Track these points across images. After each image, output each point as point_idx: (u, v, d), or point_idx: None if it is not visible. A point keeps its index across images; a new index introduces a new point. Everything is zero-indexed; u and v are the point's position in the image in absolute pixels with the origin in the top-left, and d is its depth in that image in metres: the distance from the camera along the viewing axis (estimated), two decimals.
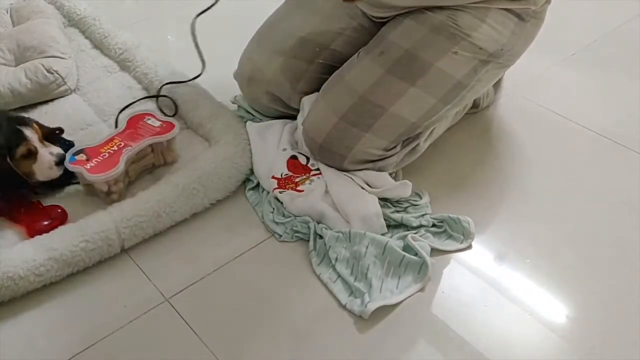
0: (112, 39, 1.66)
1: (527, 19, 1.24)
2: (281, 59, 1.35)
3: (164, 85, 1.47)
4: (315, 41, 1.33)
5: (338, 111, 1.23)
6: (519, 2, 1.21)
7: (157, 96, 1.46)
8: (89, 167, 1.22)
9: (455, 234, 1.20)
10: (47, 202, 1.25)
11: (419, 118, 1.24)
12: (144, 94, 1.53)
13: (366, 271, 1.11)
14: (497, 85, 1.52)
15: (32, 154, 1.21)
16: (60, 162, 1.24)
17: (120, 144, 1.27)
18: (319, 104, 1.27)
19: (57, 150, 1.25)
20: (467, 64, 1.23)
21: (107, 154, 1.25)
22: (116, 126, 1.37)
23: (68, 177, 1.28)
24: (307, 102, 1.34)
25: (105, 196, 1.25)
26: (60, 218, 1.21)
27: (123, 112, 1.44)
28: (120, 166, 1.23)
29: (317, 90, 1.32)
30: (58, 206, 1.23)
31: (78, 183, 1.29)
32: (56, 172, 1.24)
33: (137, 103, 1.48)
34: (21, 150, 1.20)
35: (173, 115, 1.43)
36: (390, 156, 1.26)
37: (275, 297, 1.12)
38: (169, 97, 1.46)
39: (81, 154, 1.25)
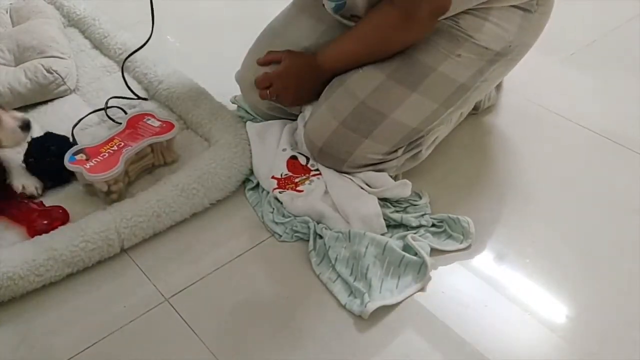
0: (112, 39, 1.66)
1: (534, 9, 1.21)
2: None
3: (110, 98, 1.47)
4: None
5: (338, 116, 1.23)
6: None
7: (105, 108, 1.45)
8: (88, 166, 1.22)
9: (455, 234, 1.20)
10: (49, 202, 1.25)
11: (420, 123, 1.23)
12: (143, 94, 1.53)
13: (366, 271, 1.11)
14: (498, 85, 1.52)
15: None
16: (25, 126, 1.24)
17: (120, 144, 1.27)
18: (320, 107, 1.26)
19: (20, 115, 1.24)
20: (472, 66, 1.21)
21: (106, 154, 1.25)
22: (74, 140, 1.36)
23: (67, 175, 1.28)
24: (308, 104, 1.34)
25: (105, 196, 1.25)
26: (61, 218, 1.21)
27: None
28: (120, 166, 1.23)
29: None
30: (59, 207, 1.23)
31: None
32: (22, 136, 1.25)
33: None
34: None
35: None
36: (391, 160, 1.26)
37: (275, 297, 1.12)
38: (119, 108, 1.46)
39: (81, 154, 1.25)
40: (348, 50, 1.26)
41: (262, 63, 1.36)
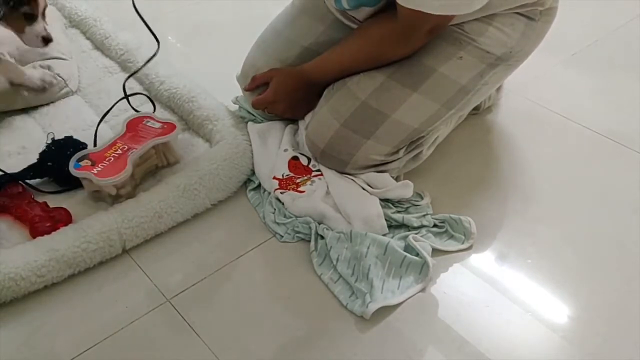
0: (113, 40, 1.67)
1: (537, 18, 1.22)
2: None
3: (126, 80, 1.43)
4: (318, 52, 1.32)
5: (340, 117, 1.23)
6: (524, 7, 1.20)
7: (127, 96, 1.40)
8: (96, 171, 1.22)
9: (456, 234, 1.20)
10: (52, 204, 1.24)
11: (422, 123, 1.23)
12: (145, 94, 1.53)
13: (367, 271, 1.11)
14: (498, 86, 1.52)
15: (31, 17, 1.30)
16: (46, 41, 1.34)
17: (124, 147, 1.26)
18: (321, 108, 1.27)
19: (49, 29, 1.34)
20: (473, 68, 1.22)
21: (112, 158, 1.24)
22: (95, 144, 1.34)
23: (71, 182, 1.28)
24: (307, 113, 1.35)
25: (113, 200, 1.24)
26: (64, 220, 1.21)
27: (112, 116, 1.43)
28: (129, 168, 1.22)
29: None
30: (62, 208, 1.23)
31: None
32: (39, 44, 1.34)
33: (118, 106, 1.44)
34: (25, 9, 1.28)
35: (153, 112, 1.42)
36: (393, 161, 1.26)
37: (276, 298, 1.12)
38: (143, 94, 1.45)
39: (85, 160, 1.24)
40: (341, 61, 1.26)
41: (249, 89, 1.38)
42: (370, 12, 1.24)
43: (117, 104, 1.42)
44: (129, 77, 1.45)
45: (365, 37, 1.24)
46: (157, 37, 1.38)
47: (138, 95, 1.50)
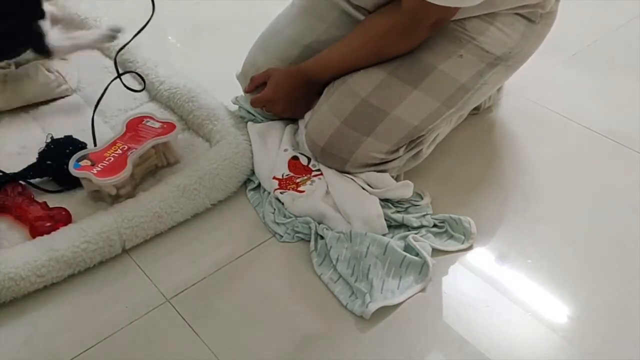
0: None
1: (537, 20, 1.23)
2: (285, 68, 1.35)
3: (117, 52, 1.42)
4: (319, 51, 1.32)
5: (340, 115, 1.22)
6: (525, 8, 1.21)
7: (119, 74, 1.39)
8: (95, 171, 1.22)
9: (456, 234, 1.20)
10: (52, 204, 1.24)
11: (422, 121, 1.23)
12: (145, 95, 1.53)
13: (367, 271, 1.11)
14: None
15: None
16: (54, 21, 1.37)
17: (124, 147, 1.26)
18: (321, 107, 1.27)
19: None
20: (473, 67, 1.22)
21: (112, 158, 1.24)
22: (95, 143, 1.34)
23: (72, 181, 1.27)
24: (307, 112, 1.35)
25: (113, 200, 1.24)
26: (64, 220, 1.21)
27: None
28: (129, 168, 1.22)
29: None
30: (63, 208, 1.23)
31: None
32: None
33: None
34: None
35: (142, 90, 1.43)
36: (393, 159, 1.26)
37: (276, 298, 1.12)
38: (135, 72, 1.44)
39: (85, 160, 1.24)
40: (342, 57, 1.26)
41: (249, 91, 1.38)
42: None
43: (118, 103, 1.42)
44: (120, 49, 1.42)
45: (368, 31, 1.23)
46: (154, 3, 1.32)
47: (137, 96, 1.51)
